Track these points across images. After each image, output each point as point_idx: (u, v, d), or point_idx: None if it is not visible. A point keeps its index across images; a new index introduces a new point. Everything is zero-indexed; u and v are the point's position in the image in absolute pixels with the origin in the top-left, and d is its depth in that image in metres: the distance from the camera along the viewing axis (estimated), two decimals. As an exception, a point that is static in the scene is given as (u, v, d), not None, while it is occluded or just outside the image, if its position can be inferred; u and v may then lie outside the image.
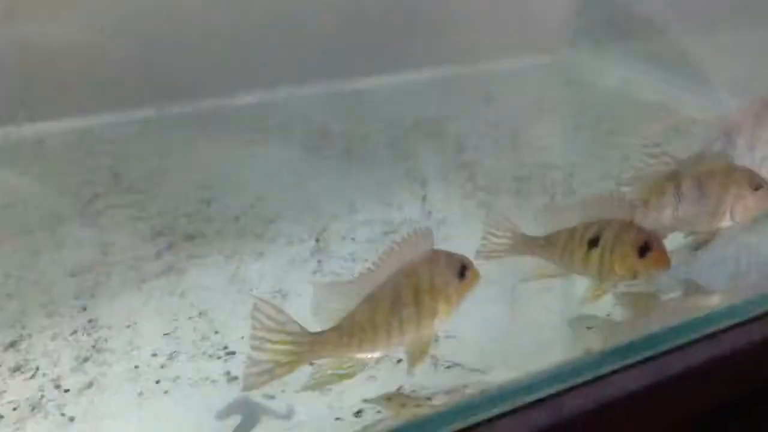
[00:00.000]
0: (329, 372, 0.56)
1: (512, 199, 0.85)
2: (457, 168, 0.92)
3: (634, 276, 0.65)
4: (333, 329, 0.53)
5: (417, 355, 0.57)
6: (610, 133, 0.98)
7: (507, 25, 1.20)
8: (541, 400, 0.56)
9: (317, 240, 0.76)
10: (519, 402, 0.56)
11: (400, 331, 0.56)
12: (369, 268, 0.55)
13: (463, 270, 0.58)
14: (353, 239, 0.76)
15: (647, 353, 0.63)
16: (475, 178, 0.89)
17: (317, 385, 0.55)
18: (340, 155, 0.96)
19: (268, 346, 0.53)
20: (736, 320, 0.68)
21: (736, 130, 0.73)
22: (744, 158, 0.72)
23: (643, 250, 0.63)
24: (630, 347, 0.63)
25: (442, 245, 0.59)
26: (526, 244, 0.67)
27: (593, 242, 0.65)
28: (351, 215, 0.81)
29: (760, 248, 0.76)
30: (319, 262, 0.74)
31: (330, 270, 0.73)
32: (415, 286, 0.56)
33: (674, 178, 0.71)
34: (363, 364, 0.56)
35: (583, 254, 0.65)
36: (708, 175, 0.71)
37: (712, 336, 0.66)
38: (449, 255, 0.58)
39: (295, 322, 0.52)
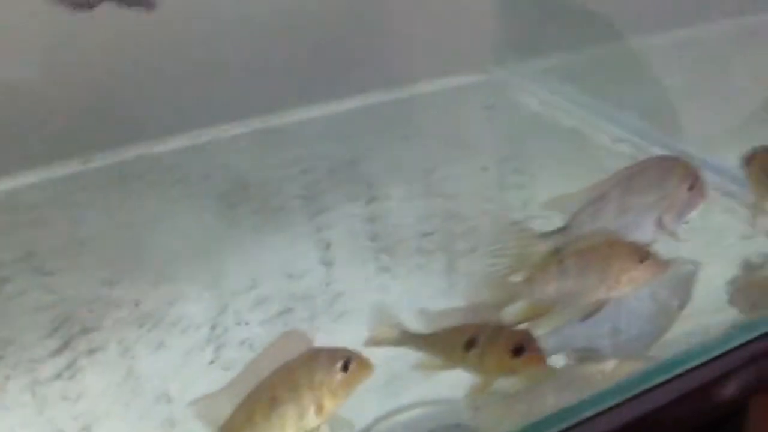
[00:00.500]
0: None
1: (414, 260, 0.86)
2: (364, 222, 0.92)
3: (514, 374, 0.67)
4: None
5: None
6: (516, 171, 0.98)
7: (431, 46, 1.19)
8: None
9: (212, 327, 0.78)
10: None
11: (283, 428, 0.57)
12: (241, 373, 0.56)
13: (346, 364, 0.59)
14: (247, 324, 0.78)
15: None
16: (380, 237, 0.90)
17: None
18: (255, 212, 0.97)
19: None
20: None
21: (606, 198, 0.74)
22: (611, 226, 0.73)
23: (518, 351, 0.65)
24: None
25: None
26: (410, 339, 0.68)
27: (470, 343, 0.67)
28: (250, 291, 0.82)
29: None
30: (216, 349, 0.76)
31: (228, 358, 0.75)
32: (294, 383, 0.58)
33: (557, 253, 0.72)
34: None
35: (462, 354, 0.67)
36: (591, 249, 0.72)
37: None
38: (330, 351, 0.59)
39: None
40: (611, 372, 0.75)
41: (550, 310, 0.74)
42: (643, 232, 0.75)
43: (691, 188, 0.76)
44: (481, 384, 0.67)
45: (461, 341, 0.67)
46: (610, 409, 0.69)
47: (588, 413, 0.68)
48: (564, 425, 0.67)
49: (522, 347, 0.65)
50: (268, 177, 1.03)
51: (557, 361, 0.72)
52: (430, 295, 0.81)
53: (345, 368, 0.58)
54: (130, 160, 1.09)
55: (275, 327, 0.77)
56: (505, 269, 0.72)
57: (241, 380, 0.56)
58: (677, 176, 0.75)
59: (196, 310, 0.80)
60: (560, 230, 0.73)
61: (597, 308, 0.74)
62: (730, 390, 0.77)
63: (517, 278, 0.72)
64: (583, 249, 0.72)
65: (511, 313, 0.71)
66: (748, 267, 0.84)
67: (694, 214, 0.76)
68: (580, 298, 0.73)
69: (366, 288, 0.83)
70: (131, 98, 1.11)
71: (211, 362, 0.74)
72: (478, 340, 0.67)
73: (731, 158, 0.88)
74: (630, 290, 0.73)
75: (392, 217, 0.93)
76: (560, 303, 0.72)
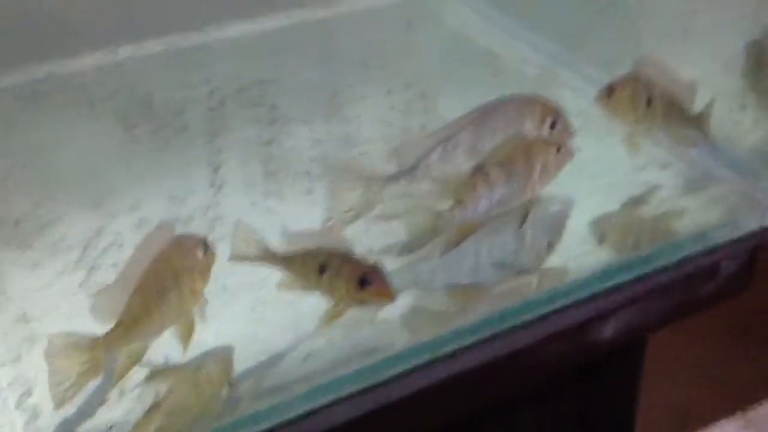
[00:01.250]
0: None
1: (304, 185, 0.85)
2: (260, 145, 0.91)
3: (362, 304, 0.66)
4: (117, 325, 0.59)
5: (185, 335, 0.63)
6: (420, 95, 0.96)
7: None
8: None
9: (85, 248, 0.77)
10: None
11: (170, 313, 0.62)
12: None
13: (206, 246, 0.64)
14: (121, 246, 0.77)
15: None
16: (273, 160, 0.88)
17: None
18: (153, 132, 0.95)
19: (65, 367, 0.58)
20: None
21: (454, 141, 0.72)
22: (464, 167, 0.72)
23: (363, 282, 0.65)
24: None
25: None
26: (270, 258, 0.68)
27: (322, 269, 0.66)
28: (131, 213, 0.81)
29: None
30: (89, 270, 0.76)
31: (98, 281, 0.74)
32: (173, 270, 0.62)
33: (480, 169, 0.72)
34: None
35: (317, 278, 0.67)
36: (509, 155, 0.73)
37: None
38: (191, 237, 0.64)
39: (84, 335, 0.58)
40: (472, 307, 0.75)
41: (478, 227, 0.74)
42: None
43: (552, 126, 0.74)
44: (332, 311, 0.67)
45: (314, 265, 0.67)
46: (475, 345, 0.70)
47: (448, 349, 0.68)
48: (419, 361, 0.67)
49: (366, 279, 0.65)
50: (174, 97, 1.01)
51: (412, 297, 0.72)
52: (314, 221, 0.80)
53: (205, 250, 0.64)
54: (40, 79, 1.06)
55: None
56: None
57: (126, 275, 0.60)
58: (536, 115, 0.74)
59: (74, 231, 0.80)
60: (406, 172, 0.72)
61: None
62: (608, 330, 0.77)
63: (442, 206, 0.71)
64: (501, 158, 0.72)
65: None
66: (632, 202, 0.83)
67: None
68: (509, 203, 0.74)
69: (251, 212, 0.82)
70: (43, 14, 1.08)
71: (81, 284, 0.74)
72: (328, 267, 0.66)
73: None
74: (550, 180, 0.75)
75: (289, 140, 0.91)
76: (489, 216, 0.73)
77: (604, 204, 0.83)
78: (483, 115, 0.73)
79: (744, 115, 0.83)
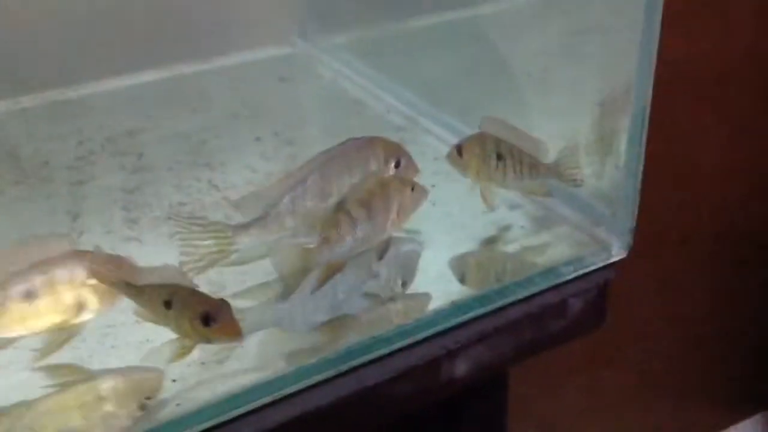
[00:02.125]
0: None
1: (164, 229, 0.85)
2: (124, 193, 0.91)
3: (208, 341, 0.66)
4: None
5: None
6: (288, 142, 0.98)
7: (238, 19, 1.18)
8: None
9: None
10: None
11: None
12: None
13: None
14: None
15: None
16: (134, 207, 0.89)
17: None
18: (17, 183, 0.94)
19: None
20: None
21: (302, 187, 0.74)
22: (316, 210, 0.74)
23: (206, 319, 0.65)
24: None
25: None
26: (124, 288, 0.68)
27: (168, 304, 0.66)
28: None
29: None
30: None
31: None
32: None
33: (342, 208, 0.73)
34: None
35: (163, 312, 0.67)
36: (368, 193, 0.75)
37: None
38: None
39: None
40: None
41: (344, 264, 0.75)
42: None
43: (397, 165, 0.77)
44: (180, 348, 0.67)
45: (160, 299, 0.67)
46: (318, 384, 0.70)
47: (289, 389, 0.69)
48: (259, 402, 0.68)
49: (209, 316, 0.65)
50: (43, 148, 1.01)
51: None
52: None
53: None
54: None
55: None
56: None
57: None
58: (379, 156, 0.76)
59: None
60: (257, 220, 0.73)
61: (327, 277, 0.74)
62: (460, 366, 0.78)
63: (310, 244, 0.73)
64: (360, 196, 0.74)
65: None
66: (484, 241, 0.86)
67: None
68: (372, 240, 0.76)
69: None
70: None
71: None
72: (174, 302, 0.66)
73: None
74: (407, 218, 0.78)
75: (152, 187, 0.92)
76: (353, 252, 0.75)
77: (461, 242, 0.86)
78: (328, 159, 0.75)
79: (589, 162, 0.87)
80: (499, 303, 0.79)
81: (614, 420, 1.73)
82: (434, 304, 0.78)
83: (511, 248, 0.86)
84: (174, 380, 0.67)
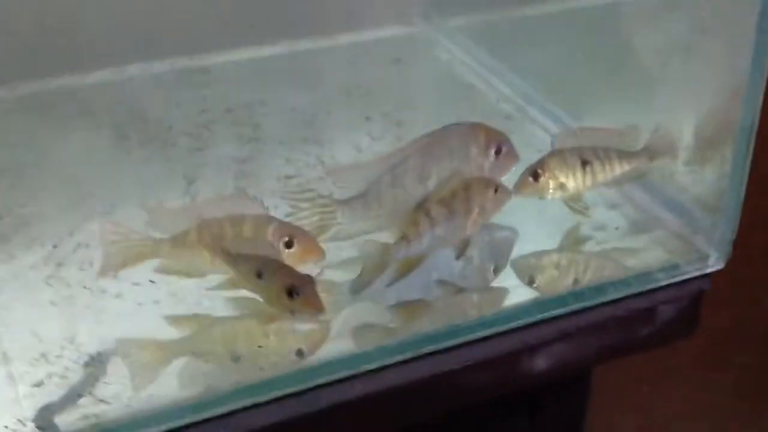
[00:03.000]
0: None
1: (273, 201, 0.89)
2: (237, 162, 0.96)
3: (291, 313, 0.70)
4: None
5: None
6: (396, 123, 1.01)
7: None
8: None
9: (54, 246, 0.83)
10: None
11: None
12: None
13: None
14: (87, 246, 0.83)
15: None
16: (245, 176, 0.93)
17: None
18: (142, 145, 1.01)
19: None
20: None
21: (402, 168, 0.75)
22: (416, 192, 0.75)
23: (291, 292, 0.68)
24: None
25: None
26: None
27: (259, 274, 0.70)
28: (104, 217, 0.87)
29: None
30: (56, 267, 0.81)
31: (63, 276, 0.80)
32: None
33: (423, 207, 0.75)
34: None
35: (254, 281, 0.71)
36: (451, 193, 0.76)
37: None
38: None
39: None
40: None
41: (421, 261, 0.78)
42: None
43: (498, 152, 0.77)
44: (267, 316, 0.71)
45: (253, 269, 0.71)
46: (398, 364, 0.73)
47: (374, 365, 0.72)
48: (344, 374, 0.71)
49: (294, 289, 0.68)
50: (168, 114, 1.07)
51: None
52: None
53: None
54: (50, 91, 1.14)
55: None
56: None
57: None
58: (480, 142, 0.76)
59: (49, 230, 0.85)
60: (360, 196, 0.75)
61: (403, 273, 0.76)
62: (540, 362, 0.79)
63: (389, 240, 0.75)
64: (442, 196, 0.76)
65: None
66: (574, 240, 0.86)
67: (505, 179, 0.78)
68: (450, 239, 0.77)
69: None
70: (60, 29, 1.15)
71: (49, 278, 0.80)
72: (265, 272, 0.70)
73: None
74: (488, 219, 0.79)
75: (263, 158, 0.96)
76: (431, 251, 0.77)
77: (553, 237, 0.86)
78: (430, 142, 0.76)
79: (690, 171, 0.85)
80: (584, 303, 0.80)
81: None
82: (517, 299, 0.79)
83: (601, 248, 0.85)
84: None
